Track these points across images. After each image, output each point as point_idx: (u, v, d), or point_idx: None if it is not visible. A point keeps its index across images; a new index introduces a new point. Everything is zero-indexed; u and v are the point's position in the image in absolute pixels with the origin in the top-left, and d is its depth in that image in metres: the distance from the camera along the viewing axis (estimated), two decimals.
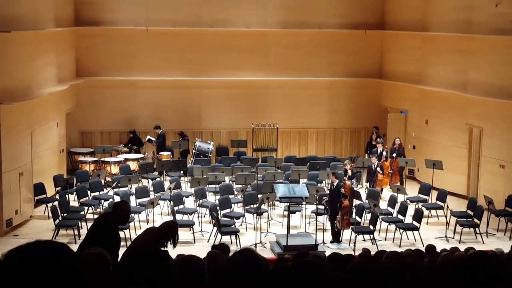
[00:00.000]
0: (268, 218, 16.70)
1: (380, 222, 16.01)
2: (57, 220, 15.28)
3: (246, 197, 16.93)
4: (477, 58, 18.92)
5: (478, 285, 5.57)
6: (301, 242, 14.65)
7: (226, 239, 15.07)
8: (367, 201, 17.06)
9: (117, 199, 16.97)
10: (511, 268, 6.46)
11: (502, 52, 18.09)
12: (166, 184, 18.43)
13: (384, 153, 19.58)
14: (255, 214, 16.22)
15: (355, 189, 16.99)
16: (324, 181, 19.35)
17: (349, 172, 16.27)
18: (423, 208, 16.81)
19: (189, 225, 15.71)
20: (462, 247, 11.57)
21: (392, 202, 17.13)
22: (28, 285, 1.83)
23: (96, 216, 16.38)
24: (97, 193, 17.73)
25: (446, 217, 16.71)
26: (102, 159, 20.41)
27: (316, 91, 23.12)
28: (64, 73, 20.29)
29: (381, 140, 20.30)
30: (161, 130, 21.48)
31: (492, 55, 18.41)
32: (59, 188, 17.82)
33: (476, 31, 18.86)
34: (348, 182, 15.67)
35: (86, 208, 16.87)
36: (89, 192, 17.67)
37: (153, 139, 21.32)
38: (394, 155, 19.71)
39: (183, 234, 15.64)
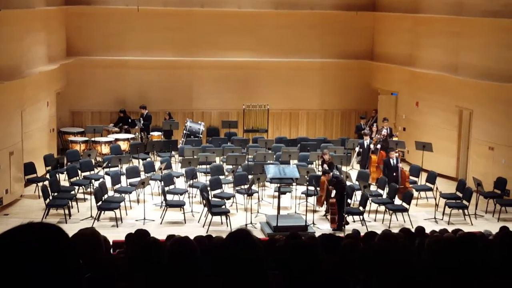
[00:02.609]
0: (258, 199, 16.75)
1: (370, 203, 16.09)
2: (48, 200, 15.27)
3: (237, 178, 16.95)
4: (469, 41, 18.94)
5: (466, 266, 5.62)
6: (291, 223, 14.71)
7: (216, 219, 15.14)
8: (357, 182, 17.14)
9: (107, 179, 16.99)
10: (498, 249, 6.54)
11: (493, 35, 18.11)
12: (157, 164, 18.44)
13: (372, 146, 18.83)
14: (245, 195, 16.26)
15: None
16: (314, 162, 19.41)
17: (325, 166, 16.06)
18: (413, 190, 16.90)
19: (180, 205, 15.75)
20: (450, 229, 11.67)
21: (382, 183, 17.22)
22: (22, 267, 1.83)
23: (86, 196, 16.49)
24: (87, 173, 17.73)
25: (435, 199, 16.81)
26: (93, 139, 20.35)
27: (307, 73, 23.10)
28: (54, 52, 20.16)
29: (368, 131, 19.84)
30: (147, 111, 21.41)
31: (483, 38, 18.43)
32: (49, 167, 17.79)
33: (468, 13, 18.86)
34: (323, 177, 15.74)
35: (76, 187, 16.84)
36: (79, 171, 17.67)
37: (137, 121, 21.22)
38: (378, 146, 19.13)
39: (174, 214, 15.70)
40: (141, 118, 21.30)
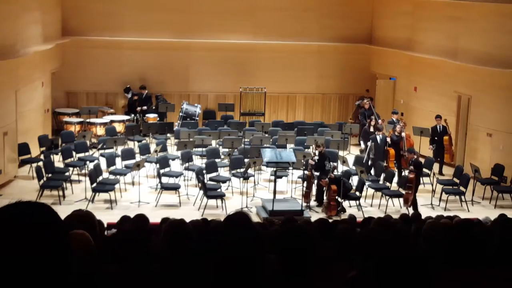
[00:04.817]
0: (254, 182, 16.67)
1: (367, 188, 16.02)
2: (42, 181, 15.17)
3: (233, 161, 16.86)
4: (468, 26, 18.80)
5: (462, 252, 5.54)
6: (287, 207, 14.64)
7: (212, 203, 15.06)
8: (353, 167, 17.06)
9: (102, 160, 16.88)
10: (496, 236, 6.46)
11: (493, 20, 17.98)
12: (152, 147, 18.33)
13: (388, 139, 17.52)
14: (241, 179, 16.18)
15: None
16: (311, 147, 19.30)
17: (310, 161, 15.69)
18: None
19: (175, 188, 15.66)
20: (447, 215, 11.59)
21: (379, 169, 17.13)
22: (11, 245, 1.79)
23: (81, 178, 16.39)
24: (82, 154, 17.62)
25: (432, 185, 16.75)
26: (88, 120, 20.22)
27: (305, 56, 22.93)
28: (49, 32, 19.94)
29: (381, 126, 18.34)
30: (147, 91, 21.30)
31: (483, 23, 18.29)
32: (44, 148, 17.66)
33: None
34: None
35: (71, 169, 16.75)
36: (74, 153, 17.55)
37: (131, 92, 21.10)
38: (403, 134, 17.67)
39: (169, 197, 15.61)
40: (131, 92, 21.22)
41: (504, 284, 4.46)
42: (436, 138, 18.55)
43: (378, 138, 17.47)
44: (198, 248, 3.80)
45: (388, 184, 16.22)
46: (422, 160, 18.10)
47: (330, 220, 10.31)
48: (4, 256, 1.79)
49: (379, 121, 19.23)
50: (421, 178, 16.16)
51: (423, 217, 11.07)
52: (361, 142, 19.42)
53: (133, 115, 21.13)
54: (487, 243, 5.84)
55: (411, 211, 14.46)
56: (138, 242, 5.14)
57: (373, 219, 9.00)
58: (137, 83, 21.58)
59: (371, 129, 18.51)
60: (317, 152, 15.86)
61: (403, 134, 17.77)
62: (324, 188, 15.28)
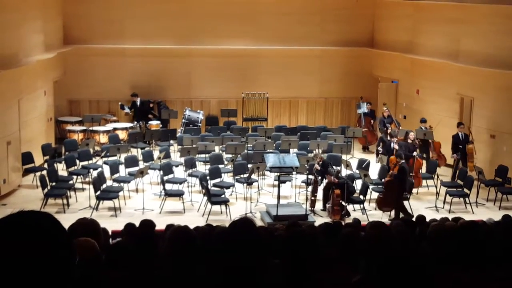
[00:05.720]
0: (258, 188, 16.65)
1: (371, 192, 16.00)
2: (46, 190, 15.18)
3: (236, 166, 16.86)
4: (470, 27, 18.80)
5: (467, 254, 5.53)
6: (291, 212, 14.63)
7: (216, 208, 15.06)
8: (357, 171, 17.05)
9: (106, 168, 16.89)
10: (500, 237, 6.45)
11: (494, 21, 17.98)
12: (156, 154, 18.34)
13: (396, 146, 16.98)
14: (245, 184, 16.17)
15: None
16: (314, 151, 19.30)
17: (316, 166, 15.67)
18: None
19: (179, 194, 15.66)
20: (451, 217, 11.57)
21: (383, 172, 17.11)
22: (13, 255, 1.80)
23: (84, 186, 16.41)
24: (85, 162, 17.63)
25: (436, 187, 16.72)
26: (91, 128, 20.25)
27: (307, 60, 22.94)
28: (51, 41, 19.99)
29: (395, 133, 18.14)
30: (139, 98, 21.20)
31: (484, 24, 18.29)
32: (47, 157, 17.69)
33: None
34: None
35: (75, 177, 16.78)
36: (77, 161, 17.56)
37: (126, 107, 21.07)
38: (415, 154, 17.00)
39: (173, 203, 15.61)
40: (127, 107, 21.14)
41: (509, 284, 4.45)
42: (460, 146, 17.87)
43: (392, 145, 17.36)
44: (203, 254, 3.80)
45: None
46: (424, 163, 18.11)
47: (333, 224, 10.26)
48: (7, 265, 1.79)
49: (397, 128, 19.19)
50: (405, 185, 15.44)
51: (427, 219, 11.06)
52: (379, 149, 19.17)
53: (136, 122, 21.07)
54: (491, 245, 5.84)
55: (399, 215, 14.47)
56: (143, 248, 5.14)
57: (383, 223, 8.99)
58: (138, 90, 21.54)
59: (388, 137, 18.42)
60: (319, 161, 15.87)
61: (414, 153, 17.05)
62: (330, 192, 15.27)
